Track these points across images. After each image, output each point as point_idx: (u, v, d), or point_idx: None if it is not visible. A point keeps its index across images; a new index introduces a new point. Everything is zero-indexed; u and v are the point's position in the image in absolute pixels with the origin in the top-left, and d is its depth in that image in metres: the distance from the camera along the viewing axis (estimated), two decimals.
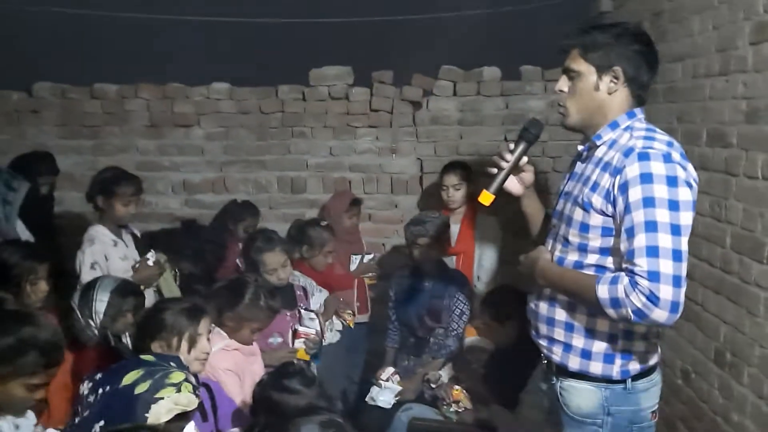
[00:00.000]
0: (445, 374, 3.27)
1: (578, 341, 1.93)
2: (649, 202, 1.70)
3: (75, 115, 4.62)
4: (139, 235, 3.51)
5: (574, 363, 1.94)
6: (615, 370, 1.90)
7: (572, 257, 1.93)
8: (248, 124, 4.59)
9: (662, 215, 1.69)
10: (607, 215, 1.82)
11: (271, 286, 2.75)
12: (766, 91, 2.41)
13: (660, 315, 1.67)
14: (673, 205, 1.69)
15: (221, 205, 4.40)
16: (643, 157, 1.75)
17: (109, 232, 3.29)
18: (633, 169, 1.75)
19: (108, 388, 1.63)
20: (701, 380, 2.89)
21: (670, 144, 1.80)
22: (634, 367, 1.90)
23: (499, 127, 4.50)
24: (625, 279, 1.71)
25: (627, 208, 1.74)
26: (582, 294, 1.84)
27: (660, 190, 1.70)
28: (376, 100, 4.54)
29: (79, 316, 2.61)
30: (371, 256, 3.83)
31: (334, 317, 3.37)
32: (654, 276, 1.66)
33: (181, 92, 4.60)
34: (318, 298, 3.33)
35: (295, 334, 2.98)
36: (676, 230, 1.68)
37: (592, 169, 1.91)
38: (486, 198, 2.07)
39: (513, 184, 2.15)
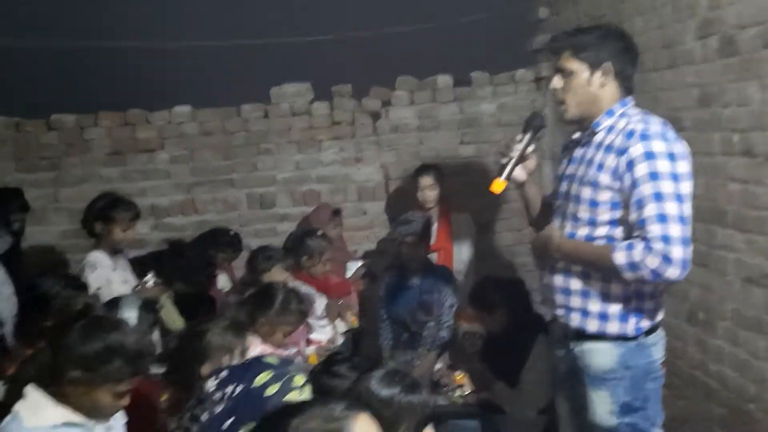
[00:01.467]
0: (442, 363, 3.46)
1: (594, 306, 2.17)
2: (654, 176, 1.97)
3: (31, 147, 4.55)
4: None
5: (592, 326, 2.18)
6: (630, 328, 2.15)
7: (582, 231, 2.17)
8: (213, 144, 4.66)
9: (667, 186, 1.96)
10: (615, 190, 2.07)
11: (299, 291, 2.87)
12: (716, 78, 2.77)
13: (673, 273, 1.93)
14: (675, 177, 1.97)
15: (192, 226, 4.45)
16: (645, 137, 2.02)
17: (107, 258, 3.31)
18: (637, 149, 2.01)
19: (240, 387, 1.70)
20: (675, 340, 3.21)
21: (664, 124, 2.08)
22: (646, 323, 2.16)
23: (456, 131, 4.78)
24: (640, 244, 1.96)
25: (634, 183, 2.00)
26: (599, 262, 2.08)
27: (663, 165, 1.97)
28: (337, 113, 4.72)
29: None
30: (363, 263, 4.00)
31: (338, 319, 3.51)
32: (666, 239, 1.92)
33: (142, 118, 4.61)
34: (320, 304, 3.47)
35: (308, 342, 3.10)
36: (679, 198, 1.96)
37: (594, 152, 2.17)
38: (498, 186, 2.29)
39: (518, 172, 2.37)
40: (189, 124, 4.65)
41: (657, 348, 2.20)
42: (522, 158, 2.33)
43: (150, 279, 3.23)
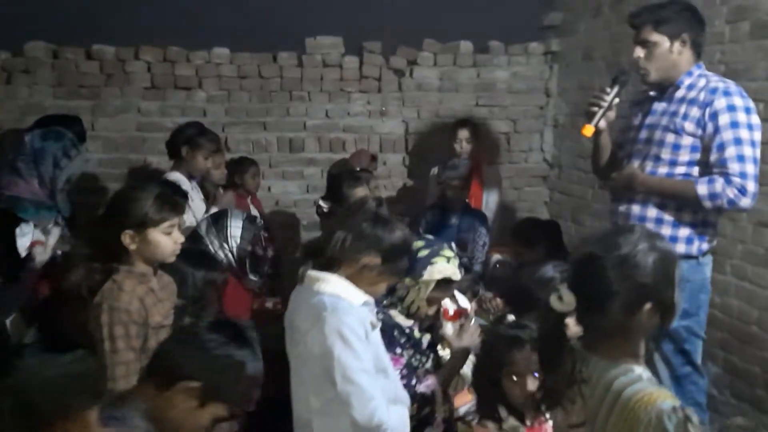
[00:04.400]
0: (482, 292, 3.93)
1: (666, 230, 2.68)
2: (734, 125, 2.49)
3: (71, 75, 4.62)
4: None
5: None
6: (694, 249, 2.67)
7: (663, 170, 2.67)
8: (249, 87, 4.88)
9: (744, 134, 2.48)
10: (697, 137, 2.58)
11: None
12: (743, 57, 3.32)
13: (746, 202, 2.47)
14: (750, 127, 2.50)
15: None
16: (727, 93, 2.53)
17: (186, 179, 3.55)
18: (720, 102, 2.52)
19: None
20: None
21: (737, 84, 2.60)
22: (705, 246, 2.69)
23: (472, 94, 5.20)
24: (720, 179, 2.48)
25: (717, 130, 2.51)
26: (681, 194, 2.59)
27: (741, 117, 2.49)
28: (366, 67, 5.04)
29: (210, 242, 2.92)
30: None
31: None
32: (743, 175, 2.45)
33: (182, 55, 4.77)
34: None
35: None
36: (753, 144, 2.49)
37: (677, 106, 2.65)
38: (588, 130, 2.75)
39: (601, 121, 2.84)
40: (227, 66, 4.84)
41: (708, 267, 2.75)
42: (609, 108, 2.79)
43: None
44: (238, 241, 2.92)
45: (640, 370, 1.46)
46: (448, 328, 2.29)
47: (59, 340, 2.79)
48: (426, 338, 2.31)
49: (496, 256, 3.99)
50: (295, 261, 2.17)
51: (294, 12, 4.91)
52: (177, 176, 3.53)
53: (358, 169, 4.29)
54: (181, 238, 2.15)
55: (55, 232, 3.11)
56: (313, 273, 1.99)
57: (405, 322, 2.24)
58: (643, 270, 1.44)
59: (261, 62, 4.89)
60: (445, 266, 2.21)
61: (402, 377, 2.17)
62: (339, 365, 1.87)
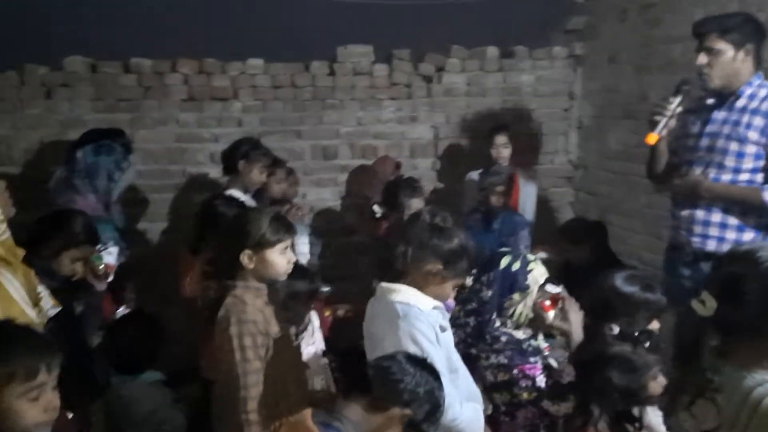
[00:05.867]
0: None
1: (731, 234, 2.82)
2: None
3: (109, 89, 4.65)
4: None
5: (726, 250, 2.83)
6: None
7: (726, 177, 2.81)
8: (283, 97, 4.95)
9: None
10: (760, 145, 2.72)
11: None
12: None
13: None
14: None
15: None
16: None
17: (243, 194, 3.63)
18: None
19: (492, 273, 2.24)
20: None
21: None
22: None
23: (499, 98, 5.31)
24: None
25: None
26: (748, 199, 2.73)
27: None
28: (396, 74, 5.13)
29: None
30: None
31: None
32: None
33: (218, 67, 4.82)
34: None
35: None
36: None
37: (739, 115, 2.79)
38: (652, 138, 2.88)
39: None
40: (261, 77, 4.90)
41: None
42: (671, 117, 2.92)
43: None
44: (308, 256, 3.01)
45: None
46: (550, 317, 2.38)
47: (131, 359, 2.88)
48: (540, 339, 2.43)
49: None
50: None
51: (324, 22, 5.00)
52: (234, 193, 3.60)
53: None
54: (294, 258, 2.25)
55: (114, 251, 3.16)
56: (384, 285, 2.16)
57: (519, 335, 2.36)
58: None
59: (294, 72, 4.96)
60: (540, 270, 2.35)
61: (547, 377, 2.29)
62: None
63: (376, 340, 2.13)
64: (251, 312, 2.12)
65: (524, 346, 2.32)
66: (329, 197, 5.13)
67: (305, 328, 2.65)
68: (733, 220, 2.81)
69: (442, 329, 2.14)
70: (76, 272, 2.58)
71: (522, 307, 2.34)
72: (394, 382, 1.72)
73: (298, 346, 2.48)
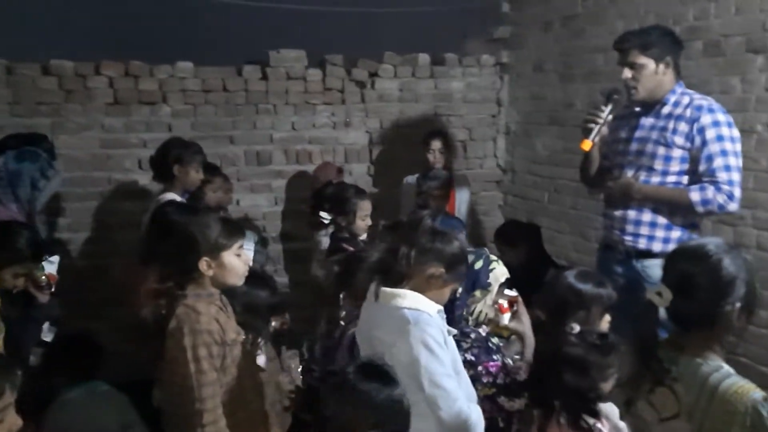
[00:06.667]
0: None
1: (660, 233, 2.99)
2: (720, 138, 2.82)
3: (28, 92, 4.41)
4: None
5: (657, 247, 2.99)
6: None
7: (655, 179, 2.98)
8: (214, 101, 4.84)
9: (729, 146, 2.82)
10: (685, 149, 2.90)
11: None
12: (697, 73, 3.69)
13: (733, 207, 2.81)
14: (733, 140, 2.84)
15: None
16: (711, 110, 2.87)
17: (180, 197, 3.53)
18: (706, 118, 2.85)
19: None
20: None
21: (717, 102, 2.94)
22: None
23: (431, 104, 5.41)
24: (711, 186, 2.81)
25: (704, 143, 2.84)
26: (675, 200, 2.91)
27: (725, 131, 2.83)
28: (329, 80, 5.12)
29: None
30: None
31: None
32: (731, 183, 2.79)
33: (145, 70, 4.66)
34: None
35: None
36: (736, 155, 2.84)
37: (665, 121, 2.96)
38: (587, 145, 3.02)
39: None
40: (191, 80, 4.78)
41: None
42: (603, 124, 3.07)
43: None
44: (251, 263, 2.96)
45: (726, 366, 1.70)
46: (506, 319, 2.43)
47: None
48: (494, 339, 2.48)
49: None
50: None
51: (256, 25, 4.95)
52: (173, 196, 3.50)
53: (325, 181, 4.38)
54: (250, 260, 2.21)
55: (56, 260, 3.01)
56: (387, 290, 2.11)
57: (483, 333, 2.40)
58: (735, 272, 1.67)
59: (225, 76, 4.86)
60: (501, 269, 2.42)
61: (504, 376, 2.33)
62: (426, 372, 2.01)
63: (383, 345, 2.10)
64: (205, 321, 2.07)
65: (489, 344, 2.37)
66: (264, 203, 5.06)
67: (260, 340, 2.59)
68: (662, 219, 2.99)
69: (449, 332, 2.16)
70: (16, 286, 2.43)
71: (482, 305, 2.40)
72: (359, 408, 1.68)
73: (253, 352, 2.43)
